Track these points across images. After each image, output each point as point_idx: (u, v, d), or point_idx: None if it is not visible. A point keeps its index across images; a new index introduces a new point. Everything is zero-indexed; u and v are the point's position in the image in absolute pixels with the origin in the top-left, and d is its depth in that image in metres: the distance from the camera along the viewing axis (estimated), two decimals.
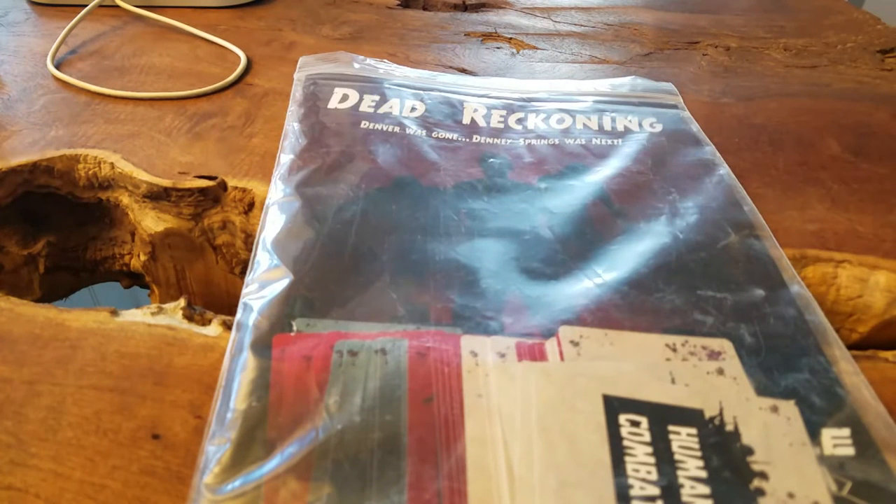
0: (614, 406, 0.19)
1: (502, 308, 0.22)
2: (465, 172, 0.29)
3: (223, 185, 0.29)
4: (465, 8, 0.54)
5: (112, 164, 0.30)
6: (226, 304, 0.32)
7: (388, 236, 0.25)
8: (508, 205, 0.27)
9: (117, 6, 0.48)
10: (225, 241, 0.30)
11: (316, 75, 0.36)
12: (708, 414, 0.19)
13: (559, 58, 0.44)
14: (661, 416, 0.18)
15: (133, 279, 0.34)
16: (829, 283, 0.26)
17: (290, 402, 0.18)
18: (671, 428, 0.18)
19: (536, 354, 0.20)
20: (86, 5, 0.47)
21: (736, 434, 0.18)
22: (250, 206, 0.28)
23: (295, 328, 0.21)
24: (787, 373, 0.20)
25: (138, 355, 0.21)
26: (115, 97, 0.36)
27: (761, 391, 0.19)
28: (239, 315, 0.21)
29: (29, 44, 0.42)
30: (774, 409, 0.19)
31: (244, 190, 0.29)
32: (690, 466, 0.17)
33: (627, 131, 0.32)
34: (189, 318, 0.22)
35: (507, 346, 0.20)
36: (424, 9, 0.54)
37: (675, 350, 0.20)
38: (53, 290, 0.33)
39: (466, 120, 0.33)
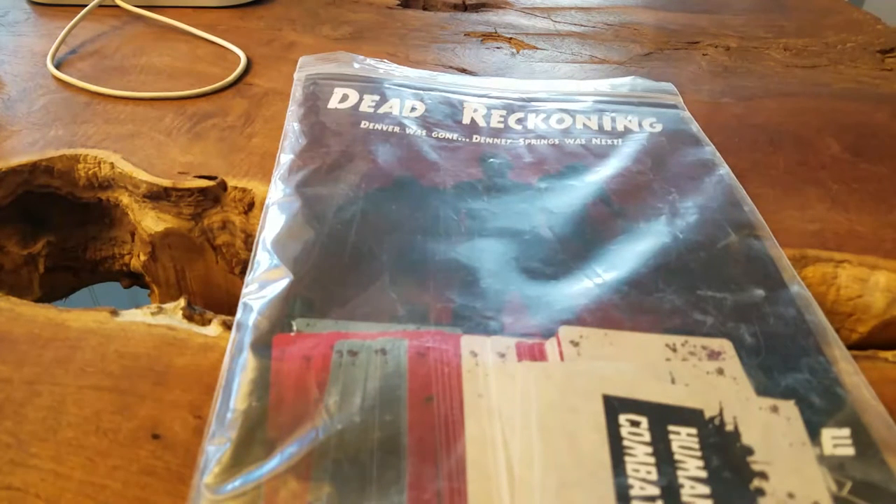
0: (614, 406, 0.19)
1: (502, 308, 0.22)
2: (465, 172, 0.29)
3: (223, 185, 0.29)
4: (465, 8, 0.54)
5: (112, 164, 0.30)
6: (226, 304, 0.32)
7: (387, 236, 0.25)
8: (508, 205, 0.27)
9: (117, 6, 0.48)
10: (225, 241, 0.30)
11: (316, 75, 0.36)
12: (708, 414, 0.19)
13: (559, 58, 0.44)
14: (661, 416, 0.18)
15: (133, 279, 0.34)
16: (829, 283, 0.26)
17: (290, 402, 0.18)
18: (671, 428, 0.18)
19: (536, 354, 0.20)
20: (86, 5, 0.47)
21: (736, 434, 0.18)
22: (250, 206, 0.28)
23: (295, 328, 0.21)
24: (787, 373, 0.20)
25: (138, 355, 0.21)
26: (115, 97, 0.36)
27: (761, 391, 0.19)
28: (239, 315, 0.21)
29: (29, 44, 0.42)
30: (774, 409, 0.19)
31: (244, 190, 0.29)
32: (690, 466, 0.17)
33: (627, 131, 0.32)
34: (189, 318, 0.22)
35: (507, 346, 0.20)
36: (424, 9, 0.54)
37: (674, 350, 0.20)
38: (53, 290, 0.33)
39: (466, 120, 0.33)
